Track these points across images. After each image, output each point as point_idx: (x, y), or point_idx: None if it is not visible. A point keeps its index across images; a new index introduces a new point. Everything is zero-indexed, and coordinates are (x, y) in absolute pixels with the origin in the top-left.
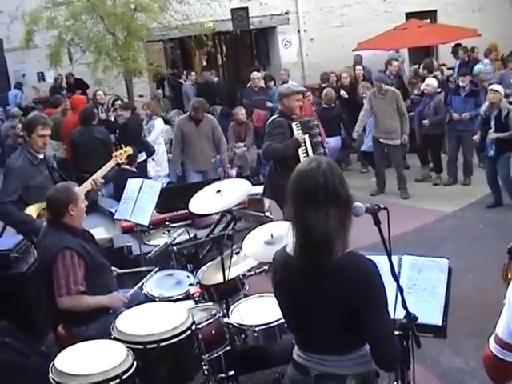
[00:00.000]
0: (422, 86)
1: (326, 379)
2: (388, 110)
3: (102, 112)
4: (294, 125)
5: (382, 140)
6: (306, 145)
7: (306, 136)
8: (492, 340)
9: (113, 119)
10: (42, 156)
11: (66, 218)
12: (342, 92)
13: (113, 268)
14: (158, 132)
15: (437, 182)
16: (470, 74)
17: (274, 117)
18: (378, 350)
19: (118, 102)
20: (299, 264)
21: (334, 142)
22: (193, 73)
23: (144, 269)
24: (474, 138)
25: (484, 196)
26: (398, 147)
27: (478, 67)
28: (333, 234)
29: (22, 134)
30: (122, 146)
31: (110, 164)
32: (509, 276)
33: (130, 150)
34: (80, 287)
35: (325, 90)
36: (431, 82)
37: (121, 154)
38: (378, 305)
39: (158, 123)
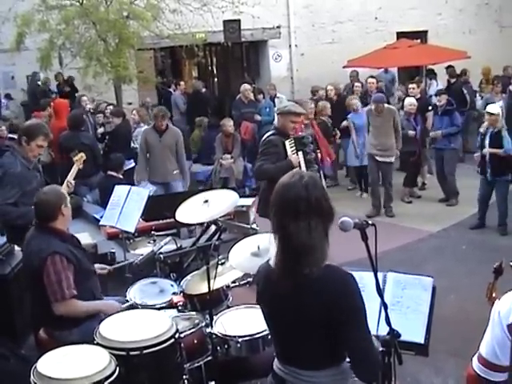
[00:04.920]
0: (407, 108)
1: None
2: (384, 126)
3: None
4: (287, 142)
5: (377, 158)
6: (299, 162)
7: (300, 153)
8: (475, 359)
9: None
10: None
11: (58, 220)
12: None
13: (103, 266)
14: None
15: (404, 198)
16: (446, 93)
17: (268, 134)
18: (357, 363)
19: (110, 107)
20: (279, 275)
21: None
22: (182, 82)
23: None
24: (476, 155)
25: (468, 217)
26: (392, 165)
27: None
28: (315, 245)
29: (8, 136)
30: (76, 151)
31: (75, 168)
32: (493, 295)
33: (83, 155)
34: (73, 291)
35: (319, 103)
36: (412, 101)
37: (78, 159)
38: (356, 317)
39: None
